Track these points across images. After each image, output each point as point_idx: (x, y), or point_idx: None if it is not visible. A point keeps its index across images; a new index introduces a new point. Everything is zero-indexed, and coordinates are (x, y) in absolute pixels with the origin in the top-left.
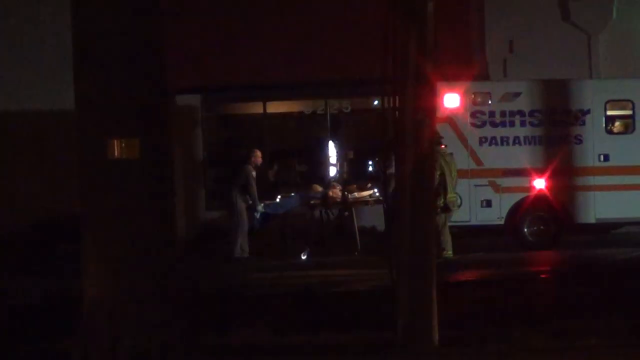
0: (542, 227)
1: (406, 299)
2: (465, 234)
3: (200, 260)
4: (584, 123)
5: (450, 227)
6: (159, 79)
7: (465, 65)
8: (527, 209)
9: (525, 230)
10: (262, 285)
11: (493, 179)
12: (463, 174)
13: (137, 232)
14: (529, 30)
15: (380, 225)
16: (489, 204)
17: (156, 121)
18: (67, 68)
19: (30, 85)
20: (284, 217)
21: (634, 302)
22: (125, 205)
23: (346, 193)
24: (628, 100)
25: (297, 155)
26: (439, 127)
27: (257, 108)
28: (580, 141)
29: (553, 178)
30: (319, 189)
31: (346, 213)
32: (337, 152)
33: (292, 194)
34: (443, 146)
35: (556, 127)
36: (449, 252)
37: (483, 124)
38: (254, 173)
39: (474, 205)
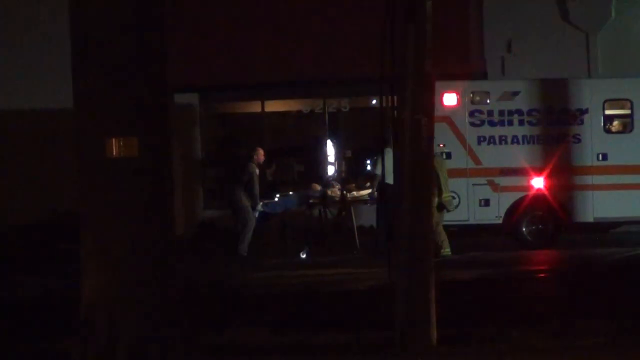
0: (540, 226)
1: (405, 299)
2: (464, 233)
3: (199, 259)
4: (582, 122)
5: (448, 227)
6: (158, 78)
7: (464, 64)
8: (525, 208)
9: (524, 229)
10: (261, 285)
11: (491, 178)
12: (461, 173)
13: (136, 231)
14: (527, 30)
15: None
16: (487, 203)
17: (155, 120)
18: (66, 67)
19: (30, 84)
20: (283, 216)
21: (633, 301)
22: (124, 204)
23: (345, 192)
24: (626, 100)
25: (296, 154)
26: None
27: (255, 107)
28: (579, 140)
29: (551, 177)
30: (318, 187)
31: (343, 213)
32: (335, 151)
33: (291, 193)
34: (442, 145)
35: (554, 127)
36: (446, 250)
37: (481, 123)
38: (257, 171)
39: (472, 204)
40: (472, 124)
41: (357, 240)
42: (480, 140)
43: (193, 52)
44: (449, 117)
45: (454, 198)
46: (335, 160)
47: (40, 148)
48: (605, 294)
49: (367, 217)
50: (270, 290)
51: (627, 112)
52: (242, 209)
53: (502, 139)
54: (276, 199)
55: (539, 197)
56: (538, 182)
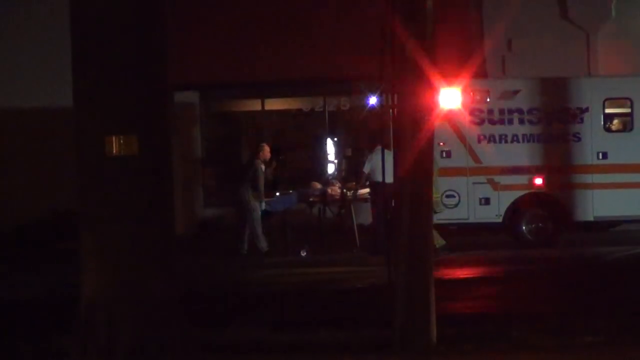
0: (540, 225)
1: (404, 297)
2: (464, 232)
3: (199, 258)
4: (582, 121)
5: (448, 225)
6: (158, 77)
7: (464, 63)
8: (525, 206)
9: (524, 228)
10: (261, 283)
11: (491, 177)
12: (461, 171)
13: (135, 230)
14: (528, 28)
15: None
16: (487, 201)
17: (155, 118)
18: (66, 65)
19: (29, 83)
20: (283, 214)
21: (633, 299)
22: (124, 203)
23: (344, 190)
24: (626, 98)
25: (296, 153)
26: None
27: (255, 105)
28: (579, 139)
29: (551, 176)
30: (318, 186)
31: (342, 211)
32: (335, 150)
33: (291, 191)
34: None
35: (554, 125)
36: (439, 242)
37: (481, 122)
38: (262, 167)
39: (472, 203)
40: (472, 123)
41: (357, 239)
42: (480, 138)
43: (193, 51)
44: (449, 115)
45: (453, 197)
46: (335, 159)
47: (40, 147)
48: (605, 292)
49: (367, 215)
50: (270, 289)
51: (627, 110)
52: (249, 208)
53: (503, 138)
54: (276, 197)
55: (539, 196)
56: (538, 181)
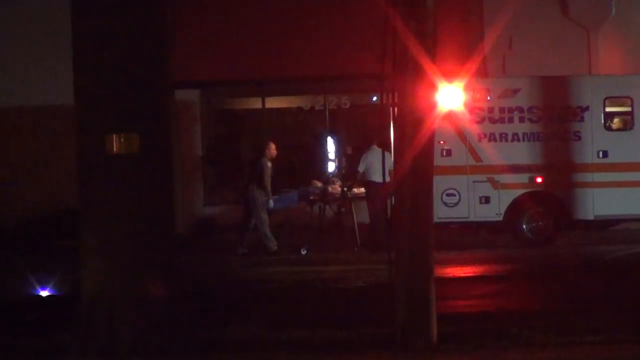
0: (540, 223)
1: (405, 295)
2: (464, 231)
3: (199, 255)
4: (582, 119)
5: (449, 224)
6: (159, 74)
7: (464, 62)
8: (525, 205)
9: (524, 226)
10: (261, 281)
11: (492, 176)
12: (461, 170)
13: (136, 227)
14: (528, 27)
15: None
16: (487, 200)
17: (156, 116)
18: (68, 63)
19: (30, 81)
20: (284, 212)
21: (633, 298)
22: (124, 200)
23: (345, 188)
24: (627, 97)
25: (296, 151)
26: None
27: (256, 103)
28: (579, 138)
29: (552, 174)
30: (318, 184)
31: (343, 209)
32: (335, 148)
33: (291, 189)
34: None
35: (555, 124)
36: None
37: (482, 120)
38: (269, 164)
39: (472, 201)
40: (473, 121)
41: (358, 237)
42: (480, 137)
43: (194, 49)
44: (449, 114)
45: (453, 196)
46: (335, 157)
47: (43, 145)
48: (605, 291)
49: (367, 213)
50: (270, 287)
51: (628, 109)
52: (257, 206)
53: (503, 137)
54: (277, 196)
55: (539, 195)
56: (538, 180)
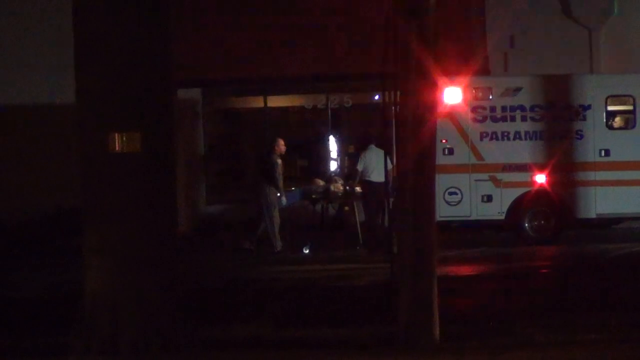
0: (542, 222)
1: (407, 294)
2: (466, 229)
3: (202, 254)
4: (584, 118)
5: (450, 222)
6: (162, 73)
7: (466, 60)
8: (527, 204)
9: (526, 225)
10: (264, 280)
11: (494, 174)
12: (463, 168)
13: (138, 227)
14: (530, 26)
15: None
16: (489, 198)
17: (158, 115)
18: (70, 62)
19: (33, 79)
20: (287, 211)
21: (635, 296)
22: (127, 199)
23: (347, 188)
24: (629, 96)
25: (299, 150)
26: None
27: (258, 102)
28: (581, 136)
29: (554, 173)
30: (321, 183)
31: (346, 208)
32: (338, 147)
33: (294, 188)
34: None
35: (557, 123)
36: None
37: (484, 119)
38: (279, 161)
39: (474, 200)
40: (475, 120)
41: (360, 236)
42: (482, 136)
43: (196, 48)
44: (451, 112)
45: (455, 194)
46: (337, 156)
47: (45, 144)
48: (607, 289)
49: None
50: (273, 285)
51: (630, 108)
52: (269, 205)
53: (505, 135)
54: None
55: (541, 193)
56: (540, 178)
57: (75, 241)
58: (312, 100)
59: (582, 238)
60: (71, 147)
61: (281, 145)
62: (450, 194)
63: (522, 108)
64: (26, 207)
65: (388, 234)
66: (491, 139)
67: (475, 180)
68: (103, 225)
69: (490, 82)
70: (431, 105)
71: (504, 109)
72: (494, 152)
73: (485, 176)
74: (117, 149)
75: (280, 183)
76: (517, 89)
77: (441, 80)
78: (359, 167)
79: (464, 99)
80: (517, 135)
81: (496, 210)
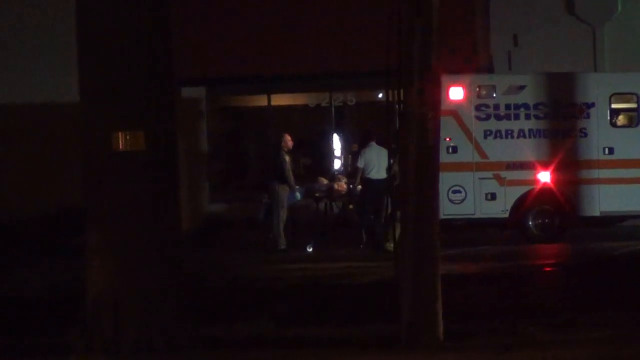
0: (546, 220)
1: (410, 293)
2: (470, 227)
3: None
4: (588, 116)
5: (454, 220)
6: (165, 71)
7: (470, 58)
8: (531, 202)
9: (530, 223)
10: (267, 278)
11: (498, 172)
12: (467, 167)
13: (142, 226)
14: (534, 24)
15: None
16: (493, 197)
17: (162, 114)
18: (73, 60)
19: (36, 78)
20: (290, 209)
21: (638, 294)
22: (130, 198)
23: (351, 186)
24: (633, 94)
25: (302, 148)
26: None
27: (261, 100)
28: (585, 134)
29: (558, 171)
30: (324, 181)
31: (350, 206)
32: (342, 145)
33: (297, 186)
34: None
35: (561, 120)
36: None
37: (488, 117)
38: (287, 157)
39: (478, 198)
40: (479, 118)
41: (364, 234)
42: (486, 134)
43: (200, 46)
44: (455, 111)
45: (459, 192)
46: (341, 154)
47: (46, 142)
48: (611, 287)
49: None
50: (276, 284)
51: (634, 106)
52: (278, 201)
53: (509, 133)
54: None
55: (545, 191)
56: (544, 176)
57: (75, 241)
58: (315, 99)
59: (586, 236)
60: (72, 146)
61: (288, 141)
62: (454, 192)
63: (526, 106)
64: (26, 207)
65: (384, 231)
66: (495, 137)
67: (479, 179)
68: (106, 224)
69: (494, 80)
70: (435, 104)
71: (507, 107)
72: (498, 150)
73: (489, 174)
74: (120, 147)
75: (292, 179)
76: (521, 87)
77: (445, 78)
78: (360, 165)
79: (468, 97)
80: (521, 134)
81: (500, 209)
